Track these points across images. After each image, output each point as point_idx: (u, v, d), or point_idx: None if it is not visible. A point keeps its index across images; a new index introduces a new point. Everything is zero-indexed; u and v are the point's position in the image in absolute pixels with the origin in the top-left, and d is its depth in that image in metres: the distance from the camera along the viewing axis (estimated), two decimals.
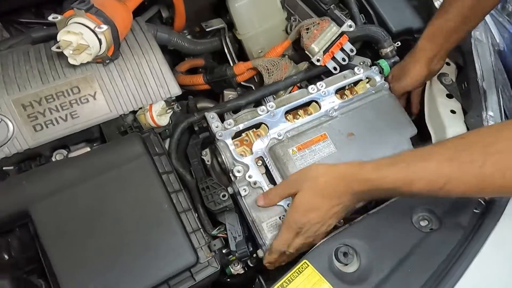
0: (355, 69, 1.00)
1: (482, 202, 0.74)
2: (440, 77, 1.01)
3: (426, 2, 1.10)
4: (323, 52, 0.97)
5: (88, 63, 0.79)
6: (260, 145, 0.87)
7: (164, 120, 0.90)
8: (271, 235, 0.80)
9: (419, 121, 1.00)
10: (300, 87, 1.06)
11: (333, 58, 0.99)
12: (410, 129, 0.94)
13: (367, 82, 1.01)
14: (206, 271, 0.75)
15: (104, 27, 0.72)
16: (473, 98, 0.94)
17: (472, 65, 0.97)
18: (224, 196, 0.84)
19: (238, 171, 0.83)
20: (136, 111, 0.87)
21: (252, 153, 0.86)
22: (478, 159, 0.54)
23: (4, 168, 0.76)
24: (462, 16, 0.87)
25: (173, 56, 1.20)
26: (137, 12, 0.98)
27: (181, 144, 0.98)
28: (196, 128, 0.96)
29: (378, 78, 0.99)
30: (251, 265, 0.90)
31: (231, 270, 0.89)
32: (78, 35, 0.71)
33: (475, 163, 0.54)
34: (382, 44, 1.04)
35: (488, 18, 1.03)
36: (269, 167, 0.85)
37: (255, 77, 1.11)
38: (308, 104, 0.95)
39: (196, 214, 0.84)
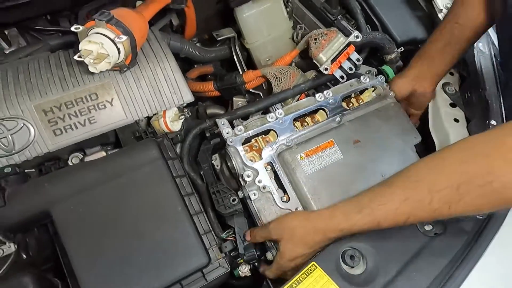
0: (361, 78, 1.03)
1: None
2: (444, 87, 1.04)
3: (430, 13, 1.14)
4: (331, 61, 1.01)
5: (106, 70, 0.82)
6: (269, 151, 0.89)
7: (177, 126, 0.93)
8: None
9: (423, 128, 1.03)
10: (307, 95, 1.09)
11: (340, 67, 1.03)
12: (415, 136, 0.97)
13: (373, 91, 1.04)
14: (217, 272, 0.78)
15: (124, 37, 0.75)
16: (475, 107, 0.98)
17: (475, 75, 1.00)
18: (234, 200, 0.87)
19: (248, 176, 0.86)
20: (151, 117, 0.91)
21: (261, 158, 0.89)
22: (425, 197, 0.64)
23: (26, 170, 0.79)
24: (446, 42, 0.95)
25: (183, 63, 1.24)
26: (150, 21, 1.01)
27: (192, 149, 1.01)
28: (207, 134, 0.99)
29: (383, 87, 1.03)
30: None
31: (239, 272, 0.91)
32: (99, 45, 0.74)
33: (424, 201, 0.64)
34: (387, 50, 1.07)
35: (491, 30, 1.06)
36: (278, 173, 0.88)
37: (263, 84, 1.14)
38: (315, 111, 0.99)
39: (206, 217, 0.87)
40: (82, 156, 0.88)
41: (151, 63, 0.89)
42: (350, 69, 1.03)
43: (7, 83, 0.81)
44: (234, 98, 1.15)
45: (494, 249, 0.73)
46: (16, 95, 0.80)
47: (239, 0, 1.07)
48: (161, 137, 0.87)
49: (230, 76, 1.11)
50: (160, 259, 0.71)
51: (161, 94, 0.89)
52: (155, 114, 0.90)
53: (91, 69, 0.77)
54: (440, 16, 1.11)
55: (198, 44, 1.27)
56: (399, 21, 1.11)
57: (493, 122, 0.95)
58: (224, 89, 1.14)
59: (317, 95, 0.97)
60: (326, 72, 1.02)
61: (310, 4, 1.16)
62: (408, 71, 1.01)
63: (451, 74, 1.08)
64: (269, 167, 0.89)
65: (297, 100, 1.08)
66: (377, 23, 1.11)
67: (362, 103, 1.01)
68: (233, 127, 0.92)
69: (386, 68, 1.06)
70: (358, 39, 1.01)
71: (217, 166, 1.00)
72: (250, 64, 1.24)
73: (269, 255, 0.84)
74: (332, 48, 1.01)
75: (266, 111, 1.07)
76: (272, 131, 0.93)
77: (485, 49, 1.05)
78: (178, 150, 0.98)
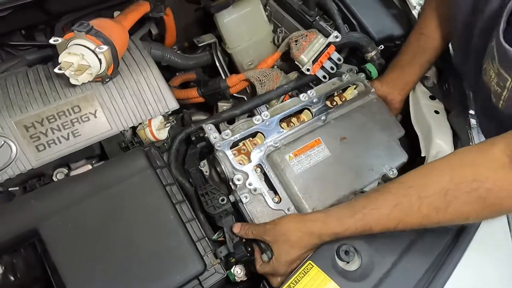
0: (343, 76, 1.05)
1: None
2: (423, 80, 1.07)
3: (404, 10, 1.17)
4: (312, 62, 1.02)
5: (88, 82, 0.81)
6: (257, 153, 0.90)
7: (163, 134, 0.92)
8: None
9: (405, 122, 1.05)
10: (291, 96, 1.10)
11: (322, 67, 1.04)
12: (398, 130, 0.99)
13: (355, 88, 1.06)
14: (213, 278, 0.77)
15: (104, 47, 0.74)
16: (454, 99, 1.01)
17: (452, 68, 1.03)
18: (223, 200, 0.86)
19: (238, 179, 0.86)
20: (136, 127, 0.89)
21: (250, 161, 0.89)
22: (415, 203, 0.66)
23: (9, 189, 0.77)
24: (414, 53, 1.02)
25: (165, 71, 1.23)
26: (129, 31, 1.00)
27: (179, 155, 1.00)
28: (193, 138, 0.99)
29: (364, 83, 1.05)
30: (255, 271, 0.92)
31: (235, 277, 0.91)
32: (79, 56, 0.73)
33: (414, 207, 0.66)
34: (367, 48, 1.09)
35: None
36: (268, 174, 0.88)
37: (247, 88, 1.14)
38: (300, 111, 1.00)
39: (199, 223, 0.86)
40: (67, 171, 0.86)
41: (134, 72, 0.88)
42: (332, 68, 1.05)
43: None
44: (219, 103, 1.16)
45: (481, 236, 0.76)
46: None
47: (219, 6, 1.07)
48: (148, 146, 0.86)
49: (214, 81, 1.12)
50: (156, 270, 0.70)
51: (145, 103, 0.88)
52: (140, 123, 0.89)
53: (72, 81, 0.75)
54: (414, 13, 1.15)
55: (178, 52, 1.26)
56: (375, 19, 1.14)
57: (471, 112, 0.99)
58: (209, 95, 1.14)
59: (301, 95, 0.99)
60: (308, 73, 1.04)
61: (288, 7, 1.18)
62: (383, 78, 1.07)
63: None
64: (259, 169, 0.89)
65: (282, 101, 1.09)
66: (354, 22, 1.14)
67: (345, 100, 1.03)
68: (219, 131, 0.92)
69: (369, 66, 1.08)
70: (338, 39, 1.03)
71: (206, 172, 0.99)
72: (232, 69, 1.24)
73: (264, 257, 0.84)
74: (313, 49, 1.03)
75: (251, 114, 1.08)
76: (259, 133, 0.93)
77: None
78: (165, 158, 0.97)
